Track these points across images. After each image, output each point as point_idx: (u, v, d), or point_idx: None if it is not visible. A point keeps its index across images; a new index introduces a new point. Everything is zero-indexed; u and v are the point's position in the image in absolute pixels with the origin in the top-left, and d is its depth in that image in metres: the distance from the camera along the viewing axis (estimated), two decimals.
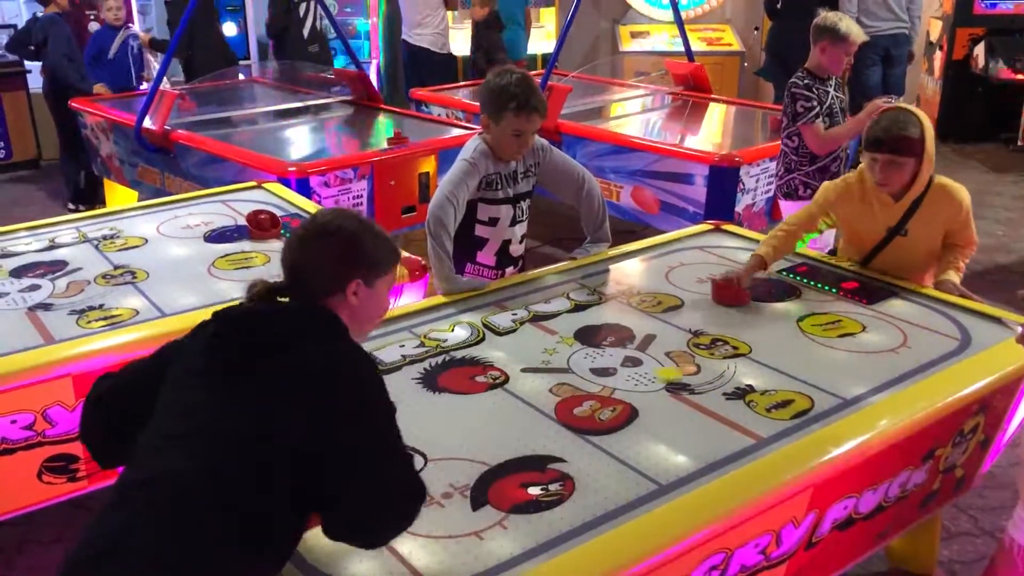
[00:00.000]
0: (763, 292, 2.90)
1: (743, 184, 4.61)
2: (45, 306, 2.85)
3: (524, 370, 2.39)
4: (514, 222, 3.04)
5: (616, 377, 2.35)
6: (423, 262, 3.08)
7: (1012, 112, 7.99)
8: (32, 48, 6.46)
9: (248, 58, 8.33)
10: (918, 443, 2.25)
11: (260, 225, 3.44)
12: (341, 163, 4.51)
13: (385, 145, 4.75)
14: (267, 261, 3.16)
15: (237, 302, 1.74)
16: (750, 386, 2.31)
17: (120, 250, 3.35)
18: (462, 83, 6.79)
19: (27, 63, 7.25)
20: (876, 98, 4.03)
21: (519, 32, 7.45)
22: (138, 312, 2.80)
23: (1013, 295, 2.31)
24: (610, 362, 2.43)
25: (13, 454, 2.48)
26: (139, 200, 5.36)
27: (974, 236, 2.99)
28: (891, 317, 2.72)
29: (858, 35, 3.85)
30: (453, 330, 2.61)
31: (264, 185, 4.10)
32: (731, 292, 2.82)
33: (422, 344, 2.52)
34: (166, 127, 5.10)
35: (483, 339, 2.56)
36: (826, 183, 3.14)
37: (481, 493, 1.87)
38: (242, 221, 3.56)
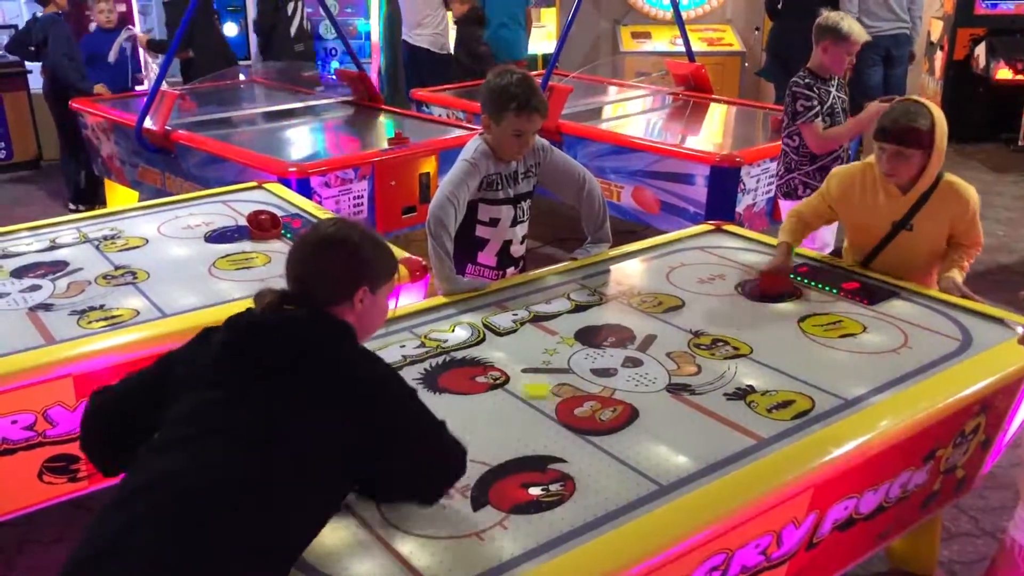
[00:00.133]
0: (764, 293, 2.90)
1: (744, 184, 4.61)
2: (46, 306, 2.85)
3: (525, 370, 2.38)
4: (515, 222, 3.04)
5: (617, 378, 2.35)
6: (424, 262, 3.08)
7: (1013, 112, 7.99)
8: (32, 48, 6.46)
9: (249, 58, 8.34)
10: (919, 444, 2.25)
11: (261, 225, 3.45)
12: (342, 163, 4.51)
13: (386, 145, 4.75)
14: (268, 261, 3.16)
15: (245, 310, 1.75)
16: (751, 386, 2.31)
17: (121, 250, 3.35)
18: (454, 84, 6.79)
19: (28, 63, 7.25)
20: (877, 99, 4.03)
21: (520, 32, 7.45)
22: (139, 312, 2.79)
23: (1014, 295, 2.31)
24: (611, 363, 2.43)
25: (14, 454, 2.48)
26: (140, 200, 5.37)
27: (980, 237, 2.99)
28: (892, 318, 2.72)
29: (860, 35, 3.85)
30: (454, 330, 2.61)
31: (265, 185, 4.10)
32: (782, 280, 2.88)
33: (423, 344, 2.52)
34: (167, 127, 5.10)
35: (483, 339, 2.56)
36: (832, 171, 3.16)
37: (481, 493, 1.87)
38: (243, 221, 3.56)
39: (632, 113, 6.27)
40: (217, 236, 3.49)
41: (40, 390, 2.46)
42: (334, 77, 6.70)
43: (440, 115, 6.10)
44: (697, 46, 7.64)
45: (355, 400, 1.66)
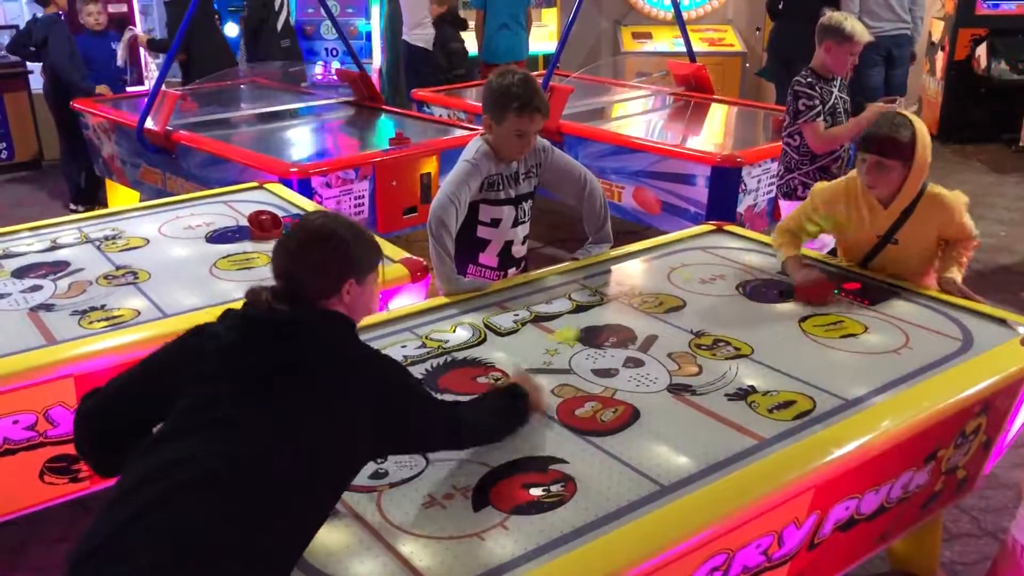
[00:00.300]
0: (765, 293, 2.90)
1: (745, 185, 4.61)
2: (47, 307, 2.85)
3: (526, 371, 2.38)
4: (516, 223, 3.04)
5: (618, 378, 2.35)
6: (425, 263, 3.08)
7: (1014, 113, 7.98)
8: (32, 49, 6.46)
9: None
10: (920, 444, 2.25)
11: (262, 226, 3.45)
12: (343, 164, 4.51)
13: (387, 146, 4.75)
14: (269, 261, 3.16)
15: (243, 306, 1.77)
16: (752, 387, 2.31)
17: (122, 251, 3.35)
18: (443, 87, 6.81)
19: (28, 63, 7.25)
20: (879, 99, 4.03)
21: (521, 33, 7.45)
22: (140, 313, 2.80)
23: (1015, 296, 2.31)
24: (612, 363, 2.43)
25: (15, 454, 2.48)
26: (141, 201, 5.37)
27: (972, 232, 2.95)
28: (893, 318, 2.71)
29: (863, 35, 3.84)
30: (455, 331, 2.61)
31: (266, 186, 4.11)
32: (823, 288, 2.84)
33: (424, 345, 2.52)
34: (168, 128, 5.11)
35: (484, 340, 2.56)
36: (816, 185, 3.13)
37: (483, 494, 1.87)
38: (244, 222, 3.56)
39: (633, 113, 6.27)
40: (218, 236, 3.49)
41: (41, 390, 2.46)
42: (335, 77, 6.70)
43: (441, 115, 6.10)
44: (698, 46, 7.64)
45: (362, 391, 1.70)
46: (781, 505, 1.93)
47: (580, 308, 2.77)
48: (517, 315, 2.71)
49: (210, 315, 1.82)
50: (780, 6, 7.12)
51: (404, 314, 2.72)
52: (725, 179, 4.56)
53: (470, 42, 7.98)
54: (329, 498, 1.69)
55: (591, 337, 2.58)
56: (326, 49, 8.57)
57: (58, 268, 3.17)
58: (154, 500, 1.51)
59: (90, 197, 6.61)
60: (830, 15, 3.92)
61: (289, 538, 1.60)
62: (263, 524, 1.54)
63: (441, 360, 2.43)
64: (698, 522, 1.79)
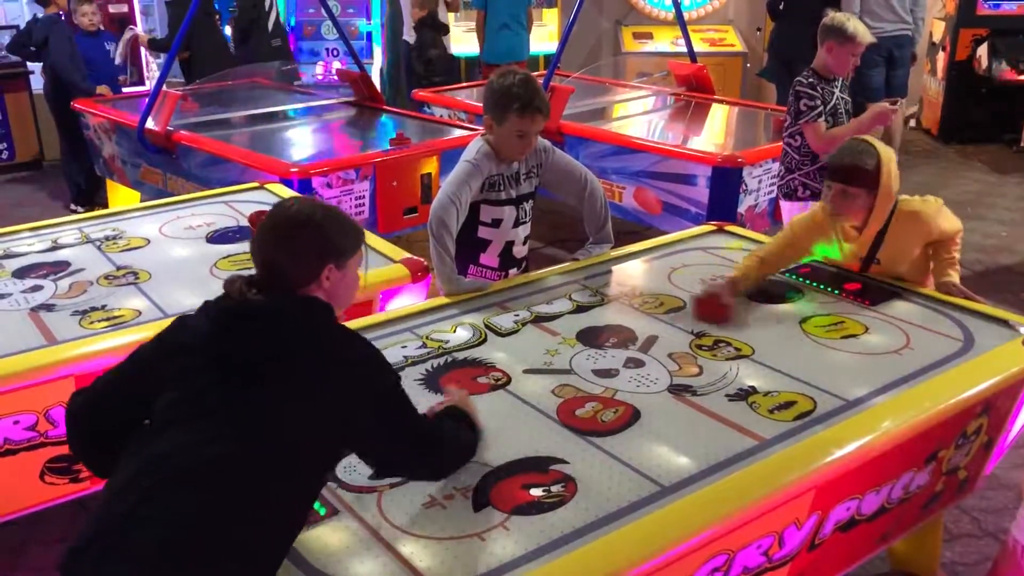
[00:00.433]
0: (765, 293, 2.90)
1: (745, 185, 4.60)
2: (47, 307, 2.85)
3: (526, 371, 2.38)
4: (517, 223, 3.04)
5: (618, 378, 2.35)
6: (425, 263, 3.08)
7: (1015, 113, 7.98)
8: (32, 49, 6.47)
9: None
10: (921, 445, 2.25)
11: None
12: (343, 164, 4.51)
13: (387, 146, 4.75)
14: None
15: (221, 296, 1.75)
16: (752, 387, 2.31)
17: (122, 251, 3.36)
18: (451, 87, 6.81)
19: (29, 64, 7.25)
20: (880, 100, 4.03)
21: (522, 33, 7.45)
22: (140, 313, 2.80)
23: (1016, 296, 2.31)
24: (612, 363, 2.43)
25: (16, 455, 2.48)
26: (141, 201, 5.37)
27: (954, 228, 2.93)
28: (894, 318, 2.71)
29: (865, 36, 3.84)
30: (455, 331, 2.61)
31: (266, 186, 4.11)
32: (712, 307, 2.72)
33: (424, 345, 2.52)
34: (168, 128, 5.11)
35: (485, 340, 2.56)
36: (794, 217, 3.10)
37: (483, 494, 1.87)
38: (244, 222, 3.56)
39: (634, 114, 6.27)
40: (219, 236, 3.49)
41: (42, 390, 2.46)
42: (335, 77, 6.70)
43: (442, 115, 6.10)
44: (699, 47, 7.64)
45: (342, 381, 1.68)
46: (782, 506, 1.93)
47: (581, 308, 2.77)
48: (518, 315, 2.71)
49: None
50: (781, 6, 7.12)
51: (405, 314, 2.72)
52: (726, 179, 4.56)
53: (470, 45, 8.00)
54: (313, 486, 1.69)
55: (592, 337, 2.58)
56: (326, 49, 8.57)
57: (59, 268, 3.17)
58: (141, 497, 1.53)
59: (90, 197, 6.61)
60: (832, 15, 3.91)
61: (276, 528, 1.60)
62: (248, 515, 1.55)
63: (442, 360, 2.43)
64: (699, 522, 1.79)
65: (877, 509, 2.25)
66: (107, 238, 3.49)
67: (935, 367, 2.41)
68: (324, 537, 1.74)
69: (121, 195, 6.11)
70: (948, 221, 2.92)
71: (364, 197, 4.53)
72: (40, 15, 6.43)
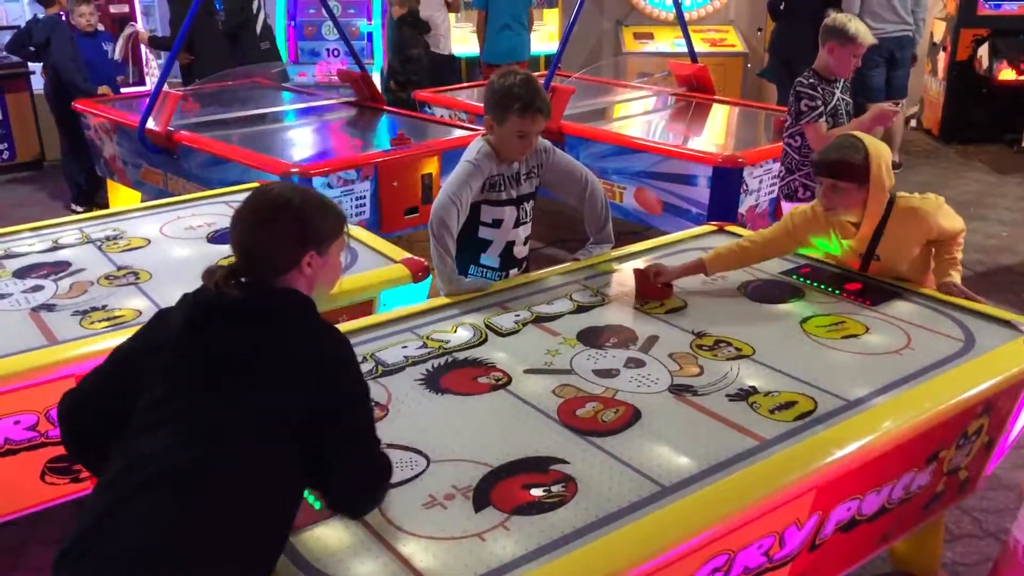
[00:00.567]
0: (766, 293, 2.90)
1: (746, 185, 4.60)
2: (48, 307, 2.85)
3: (527, 371, 2.38)
4: (518, 224, 3.04)
5: (619, 378, 2.35)
6: (426, 263, 3.08)
7: (1016, 113, 7.97)
8: (32, 49, 6.47)
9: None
10: (922, 445, 2.25)
11: None
12: (344, 164, 4.51)
13: (388, 146, 4.75)
14: None
15: (199, 289, 1.74)
16: (753, 387, 2.31)
17: (123, 251, 3.36)
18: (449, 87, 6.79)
19: (30, 64, 7.25)
20: (880, 100, 4.03)
21: (523, 34, 7.45)
22: (141, 313, 2.80)
23: (1017, 296, 2.31)
24: (613, 363, 2.43)
25: (16, 455, 2.48)
26: (142, 201, 5.37)
27: (956, 227, 2.92)
28: (894, 318, 2.71)
29: (867, 37, 3.84)
30: (456, 331, 2.61)
31: None
32: (648, 286, 2.83)
33: (425, 345, 2.52)
34: (169, 128, 5.11)
35: (486, 340, 2.56)
36: (793, 208, 3.10)
37: (483, 494, 1.87)
38: None
39: (634, 114, 6.27)
40: (219, 237, 3.49)
41: (42, 391, 2.46)
42: (336, 77, 6.70)
43: (442, 116, 6.10)
44: (699, 47, 7.63)
45: (314, 379, 1.66)
46: (782, 506, 1.92)
47: (581, 308, 2.77)
48: (518, 315, 2.71)
49: None
50: (781, 7, 7.12)
51: (405, 314, 2.72)
52: (726, 180, 4.56)
53: (470, 45, 8.00)
54: (295, 485, 1.69)
55: (592, 337, 2.58)
56: (327, 49, 8.56)
57: (59, 268, 3.17)
58: (122, 499, 1.53)
59: (90, 197, 6.61)
60: (834, 16, 3.91)
61: (261, 528, 1.60)
62: (229, 517, 1.55)
63: (442, 360, 2.43)
64: (699, 523, 1.79)
65: (878, 509, 2.25)
66: (108, 238, 3.49)
67: (936, 367, 2.40)
68: (324, 537, 1.74)
69: (122, 195, 6.11)
70: (949, 219, 2.91)
71: (365, 197, 4.53)
72: (40, 15, 6.43)
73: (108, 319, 2.75)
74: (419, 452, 2.01)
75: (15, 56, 6.97)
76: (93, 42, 6.58)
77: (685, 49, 6.66)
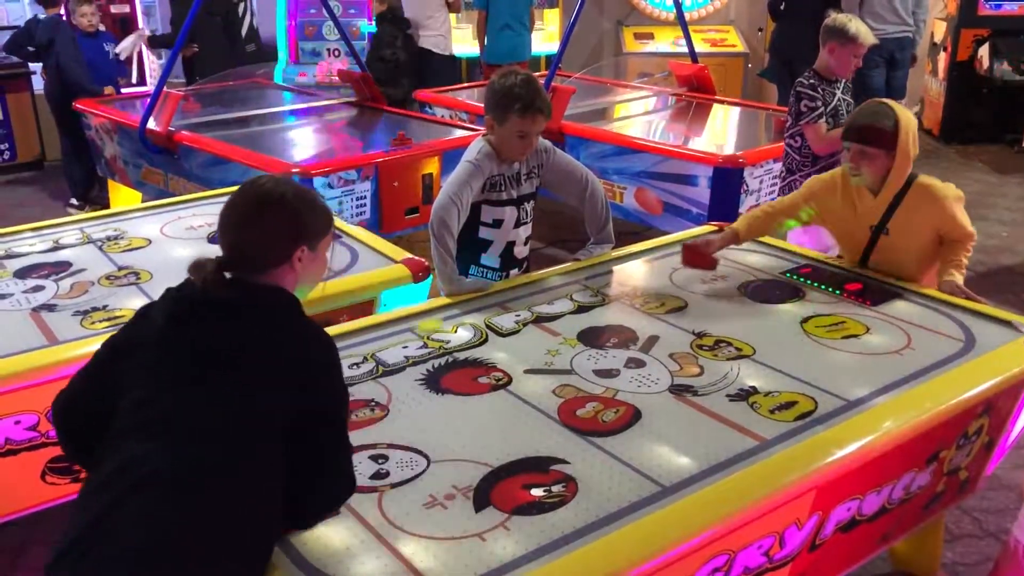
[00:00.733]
0: (766, 293, 2.90)
1: (747, 185, 4.60)
2: (49, 307, 2.85)
3: (527, 371, 2.38)
4: (518, 224, 3.04)
5: (619, 379, 2.35)
6: (426, 263, 3.08)
7: (1017, 113, 7.97)
8: (31, 50, 6.46)
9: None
10: (922, 445, 2.25)
11: None
12: (345, 164, 4.51)
13: (389, 146, 4.75)
14: None
15: (184, 283, 1.72)
16: (753, 387, 2.31)
17: (124, 251, 3.36)
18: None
19: (30, 64, 7.25)
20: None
21: (524, 34, 7.44)
22: None
23: (1018, 297, 2.31)
24: (613, 363, 2.43)
25: (17, 455, 2.48)
26: (143, 201, 5.37)
27: (968, 228, 2.93)
28: (895, 319, 2.71)
29: (867, 37, 3.84)
30: (456, 331, 2.61)
31: None
32: (699, 256, 2.97)
33: (425, 345, 2.52)
34: (170, 128, 5.11)
35: (486, 340, 2.56)
36: (812, 177, 3.16)
37: (483, 494, 1.87)
38: None
39: (635, 114, 6.27)
40: None
41: (43, 391, 2.45)
42: (336, 77, 6.70)
43: (443, 116, 6.10)
44: (700, 47, 7.63)
45: (300, 379, 1.66)
46: (783, 506, 1.93)
47: (582, 309, 2.77)
48: (519, 316, 2.71)
49: None
50: (782, 7, 7.12)
51: (406, 314, 2.72)
52: (727, 180, 4.56)
53: (471, 45, 7.98)
54: (279, 482, 1.68)
55: (593, 338, 2.58)
56: (327, 49, 8.56)
57: (60, 268, 3.17)
58: (113, 502, 1.53)
59: (86, 195, 6.62)
60: (834, 16, 3.91)
61: (252, 529, 1.60)
62: (230, 514, 1.55)
63: (442, 360, 2.44)
64: (699, 523, 1.79)
65: (878, 509, 2.25)
66: (108, 238, 3.49)
67: (936, 367, 2.40)
68: (325, 537, 1.74)
69: (123, 195, 6.11)
70: (963, 216, 2.93)
71: (365, 197, 4.53)
72: (41, 16, 6.43)
73: (109, 319, 2.75)
74: (419, 452, 2.01)
75: (14, 56, 6.97)
76: (95, 42, 6.58)
77: (686, 49, 6.66)
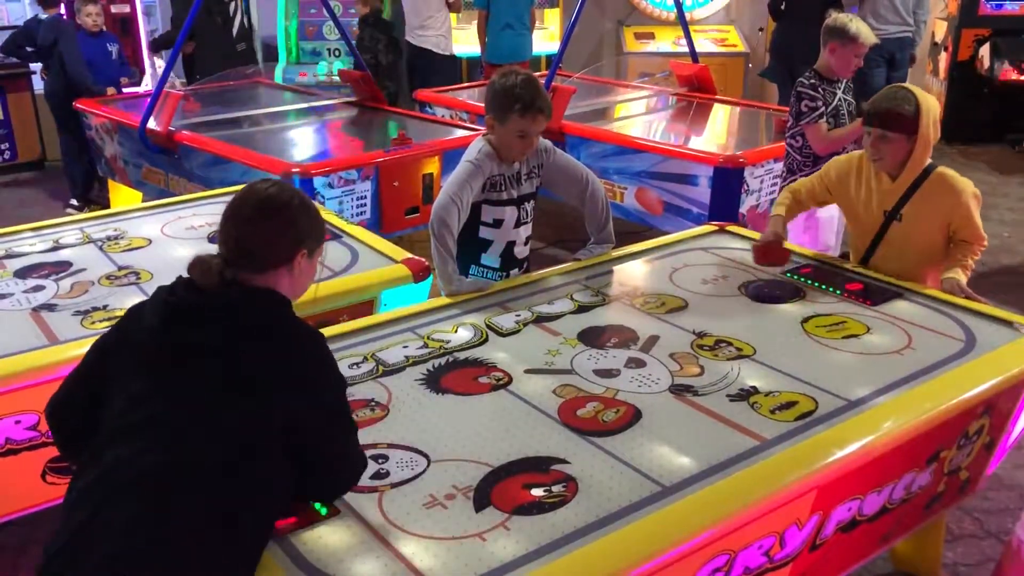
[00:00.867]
0: (767, 293, 2.90)
1: (747, 185, 4.60)
2: (49, 307, 2.85)
3: (527, 371, 2.38)
4: (518, 224, 3.04)
5: (619, 378, 2.35)
6: (427, 263, 3.08)
7: (1018, 113, 7.97)
8: (30, 50, 6.46)
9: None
10: (923, 445, 2.25)
11: None
12: (345, 164, 4.51)
13: (389, 146, 4.75)
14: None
15: (177, 282, 1.74)
16: (754, 387, 2.30)
17: (124, 251, 3.36)
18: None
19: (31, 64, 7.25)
20: None
21: (525, 34, 7.44)
22: None
23: (1018, 297, 2.30)
24: (613, 363, 2.43)
25: (17, 454, 2.48)
26: (143, 201, 5.37)
27: (981, 232, 2.93)
28: (895, 319, 2.71)
29: (868, 37, 3.84)
30: (456, 331, 2.61)
31: None
32: (775, 251, 2.98)
33: (425, 345, 2.52)
34: (170, 128, 5.11)
35: (486, 340, 2.56)
36: (831, 159, 3.18)
37: (484, 494, 1.87)
38: None
39: (635, 114, 6.27)
40: None
41: (43, 390, 2.43)
42: (336, 77, 6.70)
43: (443, 116, 6.10)
44: (701, 47, 7.63)
45: (297, 378, 1.67)
46: (783, 506, 1.92)
47: (582, 308, 2.77)
48: (519, 315, 2.71)
49: None
50: (782, 7, 7.12)
51: (406, 314, 2.72)
52: (728, 180, 4.55)
53: (471, 45, 7.97)
54: (274, 486, 1.68)
55: (593, 337, 2.58)
56: (328, 49, 8.57)
57: (60, 268, 3.17)
58: (100, 505, 1.52)
59: (86, 196, 6.62)
60: (835, 16, 3.91)
61: (244, 531, 1.60)
62: (207, 520, 1.55)
63: (443, 360, 2.43)
64: (700, 523, 1.79)
65: (879, 510, 2.25)
66: (109, 238, 3.49)
67: (937, 367, 2.40)
68: (325, 537, 1.74)
69: (123, 195, 6.11)
70: (978, 216, 2.94)
71: (366, 197, 4.53)
72: (42, 16, 6.43)
73: (109, 319, 2.75)
74: (420, 452, 2.01)
75: (11, 56, 6.96)
76: (98, 42, 6.59)
77: (686, 49, 6.65)
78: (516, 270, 3.11)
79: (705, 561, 1.82)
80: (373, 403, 2.21)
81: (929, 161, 2.94)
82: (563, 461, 1.98)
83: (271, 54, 8.71)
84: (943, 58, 8.38)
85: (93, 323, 2.72)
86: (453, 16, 7.81)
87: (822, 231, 4.28)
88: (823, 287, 2.93)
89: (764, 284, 2.97)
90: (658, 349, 2.52)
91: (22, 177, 7.67)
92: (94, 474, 1.57)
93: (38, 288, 3.00)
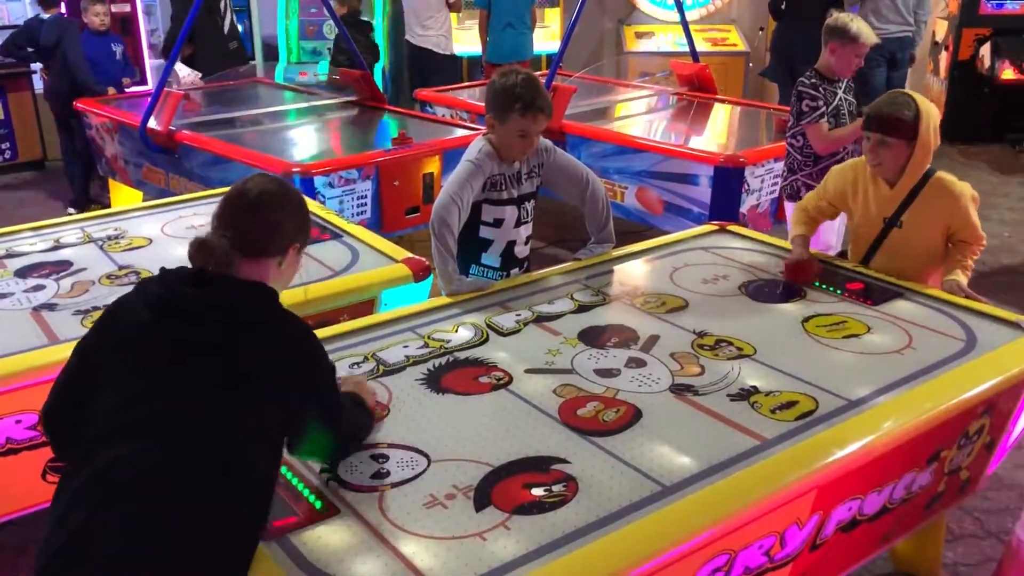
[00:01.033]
0: (767, 293, 2.90)
1: (748, 185, 4.60)
2: (50, 306, 2.85)
3: (528, 371, 2.38)
4: (519, 223, 3.04)
5: (620, 378, 2.35)
6: (427, 263, 3.08)
7: (1018, 113, 7.97)
8: (31, 50, 6.45)
9: (253, 58, 8.32)
10: (923, 445, 2.25)
11: None
12: (345, 163, 4.51)
13: (389, 145, 4.75)
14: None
15: (168, 275, 1.79)
16: (754, 387, 2.30)
17: (124, 250, 3.36)
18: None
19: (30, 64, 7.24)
20: None
21: (526, 33, 7.44)
22: None
23: (1019, 296, 2.30)
24: (614, 363, 2.43)
25: (18, 454, 2.48)
26: (144, 200, 5.37)
27: (979, 233, 2.94)
28: (896, 318, 2.71)
29: (869, 37, 3.84)
30: (457, 331, 2.61)
31: None
32: (808, 269, 2.96)
33: (426, 345, 2.52)
34: (171, 127, 5.11)
35: (487, 340, 2.56)
36: (831, 169, 3.19)
37: (484, 494, 1.87)
38: None
39: (636, 113, 6.27)
40: None
41: (44, 390, 2.41)
42: (337, 77, 6.70)
43: (444, 115, 6.10)
44: (701, 46, 7.63)
45: (292, 370, 1.72)
46: (783, 506, 1.92)
47: (582, 308, 2.77)
48: (519, 315, 2.71)
49: None
50: (783, 6, 7.12)
51: (406, 314, 2.72)
52: (728, 179, 4.55)
53: (472, 44, 7.96)
54: (266, 481, 1.69)
55: (593, 337, 2.58)
56: (328, 48, 8.57)
57: (61, 268, 3.17)
58: (95, 506, 1.52)
59: (87, 196, 6.62)
60: (836, 16, 3.91)
61: (238, 529, 1.60)
62: (201, 519, 1.55)
63: (443, 360, 2.43)
64: (700, 522, 1.79)
65: (879, 509, 2.25)
66: (109, 238, 3.49)
67: (937, 367, 2.40)
68: (325, 537, 1.74)
69: (123, 195, 6.11)
70: (976, 218, 2.94)
71: (366, 197, 4.53)
72: (44, 16, 6.42)
73: None
74: (420, 452, 2.01)
75: (11, 56, 6.95)
76: (102, 42, 6.59)
77: (687, 48, 6.65)
78: (516, 270, 3.11)
79: (705, 561, 1.82)
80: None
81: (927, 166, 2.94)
82: (563, 461, 1.98)
83: (271, 54, 8.70)
84: (944, 57, 8.38)
85: (93, 323, 2.72)
86: (453, 16, 7.81)
87: (823, 231, 4.28)
88: (824, 287, 2.93)
89: (764, 284, 2.97)
90: (658, 349, 2.51)
91: (22, 177, 7.67)
92: (89, 474, 1.56)
93: (38, 287, 3.00)
